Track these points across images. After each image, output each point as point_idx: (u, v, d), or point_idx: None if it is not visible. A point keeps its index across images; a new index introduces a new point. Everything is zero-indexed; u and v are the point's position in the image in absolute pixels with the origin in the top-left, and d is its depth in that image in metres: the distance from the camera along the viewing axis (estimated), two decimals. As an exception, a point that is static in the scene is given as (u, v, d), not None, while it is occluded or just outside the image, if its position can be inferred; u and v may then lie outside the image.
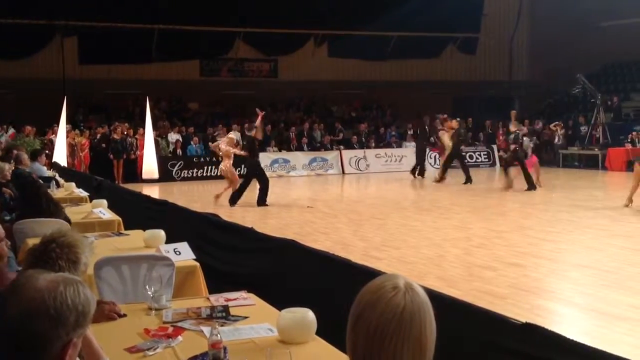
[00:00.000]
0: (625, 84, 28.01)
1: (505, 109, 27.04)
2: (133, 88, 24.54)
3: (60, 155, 19.01)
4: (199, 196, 17.68)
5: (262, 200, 13.96)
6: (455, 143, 18.59)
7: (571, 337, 2.57)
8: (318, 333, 2.94)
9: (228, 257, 5.64)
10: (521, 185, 16.15)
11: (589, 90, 24.19)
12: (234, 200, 13.95)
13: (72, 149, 20.25)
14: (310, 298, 3.45)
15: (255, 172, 14.19)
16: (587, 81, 24.49)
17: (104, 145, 21.23)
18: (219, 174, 15.54)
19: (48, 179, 10.37)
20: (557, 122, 24.88)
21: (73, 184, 10.42)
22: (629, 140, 22.37)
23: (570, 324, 5.85)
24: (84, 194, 9.54)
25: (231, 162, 14.14)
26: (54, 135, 20.25)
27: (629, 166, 21.50)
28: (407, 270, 7.54)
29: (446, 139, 18.81)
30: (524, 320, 2.73)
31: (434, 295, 2.67)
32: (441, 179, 18.63)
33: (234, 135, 14.75)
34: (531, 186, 16.07)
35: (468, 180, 18.30)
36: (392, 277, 1.57)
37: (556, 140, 24.71)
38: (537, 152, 16.58)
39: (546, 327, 2.68)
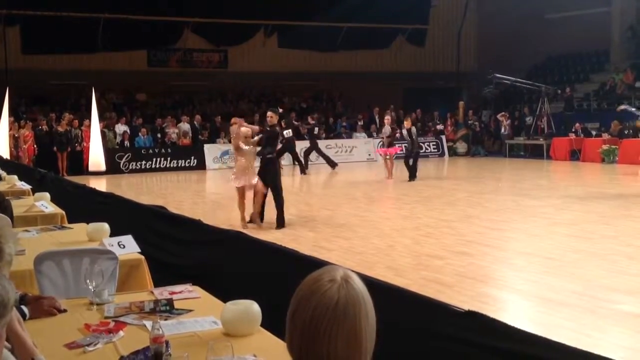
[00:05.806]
0: (569, 75, 28.67)
1: (454, 100, 27.52)
2: (78, 78, 23.99)
3: (3, 148, 18.51)
4: (147, 189, 17.43)
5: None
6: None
7: (514, 324, 2.60)
8: (264, 325, 2.91)
9: (175, 250, 5.56)
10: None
11: (519, 86, 24.81)
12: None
13: (16, 141, 19.74)
14: (257, 290, 3.41)
15: None
16: (510, 77, 25.09)
17: (48, 137, 20.72)
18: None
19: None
20: (503, 113, 25.33)
21: (15, 176, 10.13)
22: (573, 130, 22.93)
23: (514, 310, 5.97)
24: (26, 186, 9.28)
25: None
26: (-5, 127, 19.67)
27: (573, 155, 22.10)
28: (357, 261, 7.58)
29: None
30: (468, 308, 2.75)
31: (376, 285, 2.69)
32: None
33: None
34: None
35: None
36: (332, 269, 1.56)
37: (502, 130, 25.19)
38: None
39: (491, 314, 2.72)
